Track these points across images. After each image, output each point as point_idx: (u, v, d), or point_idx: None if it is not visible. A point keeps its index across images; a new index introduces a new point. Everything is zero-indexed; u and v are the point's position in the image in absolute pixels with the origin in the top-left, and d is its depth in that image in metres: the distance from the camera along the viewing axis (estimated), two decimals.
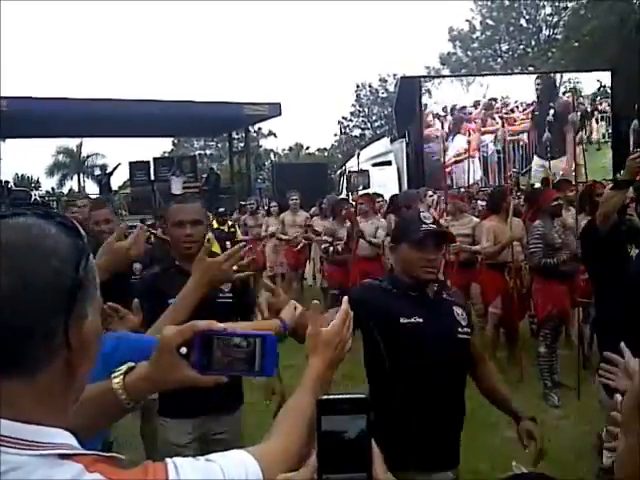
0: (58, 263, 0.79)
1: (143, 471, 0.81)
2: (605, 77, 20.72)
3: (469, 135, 13.94)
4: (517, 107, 20.23)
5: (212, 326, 1.08)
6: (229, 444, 2.62)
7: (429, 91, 20.71)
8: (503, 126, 18.66)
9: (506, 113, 20.11)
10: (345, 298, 1.40)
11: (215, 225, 9.29)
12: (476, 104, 20.18)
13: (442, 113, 20.21)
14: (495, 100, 20.09)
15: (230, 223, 9.87)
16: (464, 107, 20.22)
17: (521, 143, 19.87)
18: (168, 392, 1.28)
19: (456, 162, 18.69)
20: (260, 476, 0.95)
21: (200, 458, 0.91)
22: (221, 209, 10.04)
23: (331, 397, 0.80)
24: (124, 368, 1.16)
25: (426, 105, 20.31)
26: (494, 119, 19.92)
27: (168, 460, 0.85)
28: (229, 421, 2.98)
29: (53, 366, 0.79)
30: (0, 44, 58.69)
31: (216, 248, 8.96)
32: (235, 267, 2.04)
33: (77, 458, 0.76)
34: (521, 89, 20.24)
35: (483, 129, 19.56)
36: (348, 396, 0.80)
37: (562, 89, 20.81)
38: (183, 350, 1.08)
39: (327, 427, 0.78)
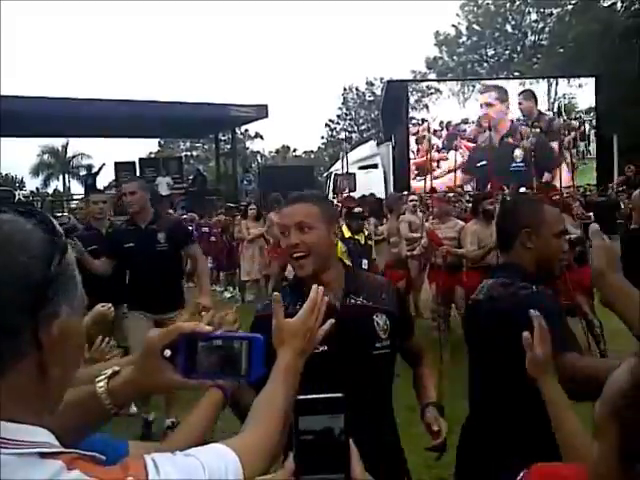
0: (27, 259, 0.76)
1: (123, 469, 0.79)
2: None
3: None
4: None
5: (197, 329, 1.06)
6: None
7: (427, 106, 20.87)
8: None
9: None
10: (314, 286, 1.37)
11: (347, 234, 6.41)
12: (464, 121, 20.33)
13: (438, 128, 20.41)
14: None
15: (367, 233, 6.75)
16: (458, 124, 20.43)
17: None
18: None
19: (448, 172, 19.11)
20: (239, 468, 0.94)
21: (178, 453, 0.88)
22: (357, 209, 6.57)
23: (308, 397, 0.79)
24: (109, 372, 1.14)
25: (424, 120, 20.47)
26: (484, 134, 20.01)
27: (147, 457, 0.82)
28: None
29: (22, 365, 0.76)
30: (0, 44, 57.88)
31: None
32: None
33: (57, 456, 0.74)
34: (517, 104, 20.42)
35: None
36: (325, 396, 0.79)
37: (556, 105, 20.96)
38: (167, 353, 1.06)
39: (304, 427, 0.77)
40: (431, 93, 21.28)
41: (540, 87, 21.18)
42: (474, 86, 21.45)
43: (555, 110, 20.97)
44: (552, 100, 21.04)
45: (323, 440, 0.77)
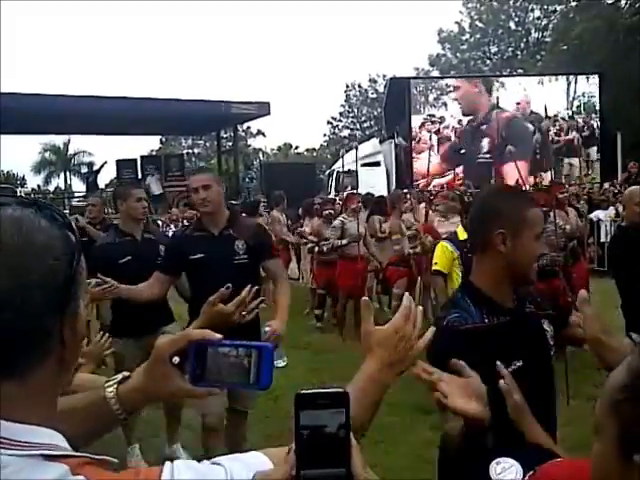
0: (53, 261, 0.76)
1: (134, 473, 0.80)
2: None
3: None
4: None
5: (207, 336, 1.05)
6: None
7: (445, 104, 20.89)
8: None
9: None
10: (406, 294, 1.29)
11: (463, 235, 5.09)
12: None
13: (458, 126, 20.46)
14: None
15: None
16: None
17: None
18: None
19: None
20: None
21: (205, 462, 0.88)
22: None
23: (310, 391, 0.78)
24: (119, 377, 1.14)
25: (443, 117, 20.56)
26: None
27: (167, 463, 0.83)
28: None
29: (46, 364, 0.77)
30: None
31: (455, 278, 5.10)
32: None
33: (63, 459, 0.73)
34: (536, 102, 20.27)
35: None
36: (327, 390, 0.78)
37: (575, 103, 20.89)
38: (176, 360, 1.06)
39: (305, 422, 0.76)
40: (450, 91, 21.24)
41: (559, 85, 21.05)
42: (492, 85, 21.44)
43: (574, 109, 20.86)
44: (571, 98, 20.90)
45: (324, 435, 0.76)
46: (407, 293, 1.31)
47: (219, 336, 1.06)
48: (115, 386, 1.12)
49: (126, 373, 1.15)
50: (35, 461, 0.71)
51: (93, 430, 1.13)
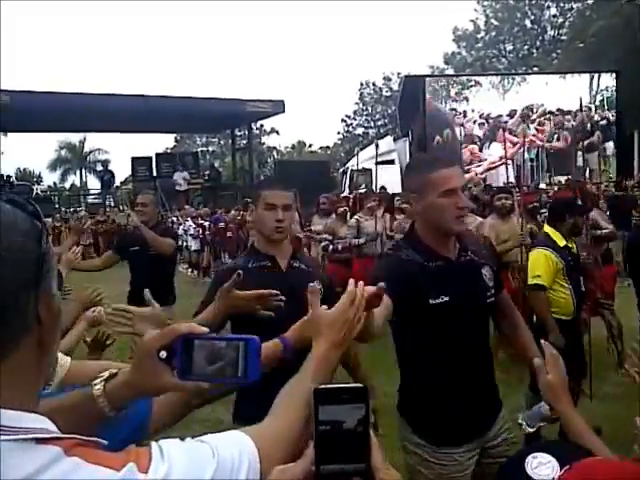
0: (21, 237, 0.76)
1: (126, 453, 0.79)
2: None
3: (504, 144, 13.70)
4: (550, 117, 20.29)
5: (193, 329, 1.05)
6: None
7: (467, 98, 20.84)
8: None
9: (540, 124, 20.28)
10: (351, 280, 1.32)
11: (561, 241, 4.15)
12: (512, 113, 20.18)
13: (480, 120, 20.36)
14: (531, 110, 20.11)
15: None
16: (500, 115, 20.24)
17: (553, 151, 20.01)
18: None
19: (490, 169, 19.19)
20: (256, 456, 0.94)
21: (189, 439, 0.89)
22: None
23: (329, 386, 0.78)
24: (106, 374, 1.14)
25: (465, 112, 20.51)
26: (529, 128, 19.84)
27: (153, 443, 0.83)
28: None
29: (25, 344, 0.77)
30: (0, 38, 58.82)
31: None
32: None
33: (55, 442, 0.73)
34: (558, 97, 20.02)
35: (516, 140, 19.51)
36: (345, 385, 0.78)
37: (599, 97, 20.71)
38: (163, 354, 1.05)
39: (325, 417, 0.76)
40: (471, 85, 21.18)
41: (582, 80, 20.83)
42: (514, 79, 21.33)
43: (597, 104, 20.64)
44: (594, 93, 20.67)
45: (344, 430, 0.76)
46: (352, 280, 1.31)
47: (206, 329, 1.06)
48: (103, 383, 1.12)
49: (113, 370, 1.15)
50: (28, 445, 0.71)
51: (81, 428, 1.09)
